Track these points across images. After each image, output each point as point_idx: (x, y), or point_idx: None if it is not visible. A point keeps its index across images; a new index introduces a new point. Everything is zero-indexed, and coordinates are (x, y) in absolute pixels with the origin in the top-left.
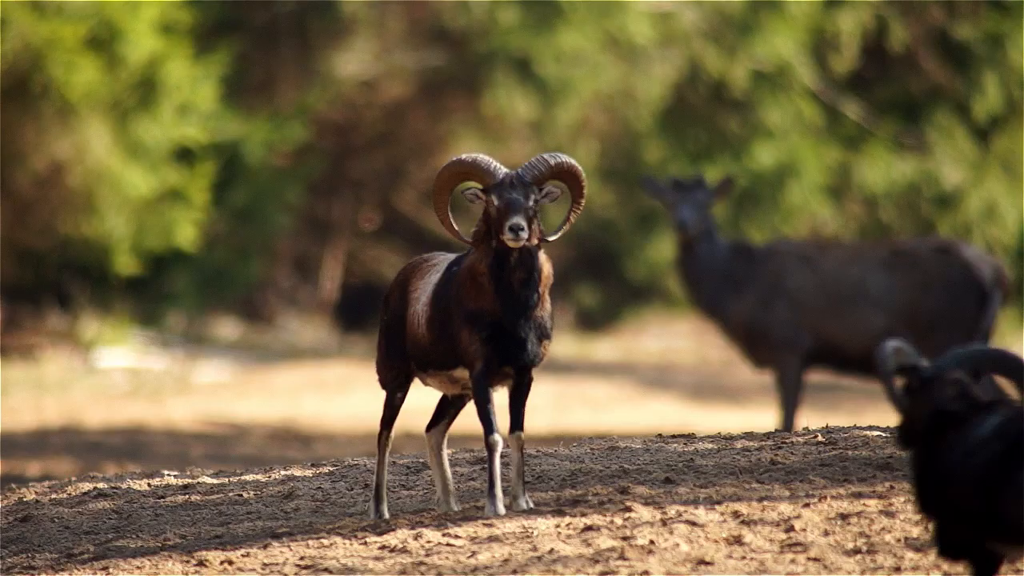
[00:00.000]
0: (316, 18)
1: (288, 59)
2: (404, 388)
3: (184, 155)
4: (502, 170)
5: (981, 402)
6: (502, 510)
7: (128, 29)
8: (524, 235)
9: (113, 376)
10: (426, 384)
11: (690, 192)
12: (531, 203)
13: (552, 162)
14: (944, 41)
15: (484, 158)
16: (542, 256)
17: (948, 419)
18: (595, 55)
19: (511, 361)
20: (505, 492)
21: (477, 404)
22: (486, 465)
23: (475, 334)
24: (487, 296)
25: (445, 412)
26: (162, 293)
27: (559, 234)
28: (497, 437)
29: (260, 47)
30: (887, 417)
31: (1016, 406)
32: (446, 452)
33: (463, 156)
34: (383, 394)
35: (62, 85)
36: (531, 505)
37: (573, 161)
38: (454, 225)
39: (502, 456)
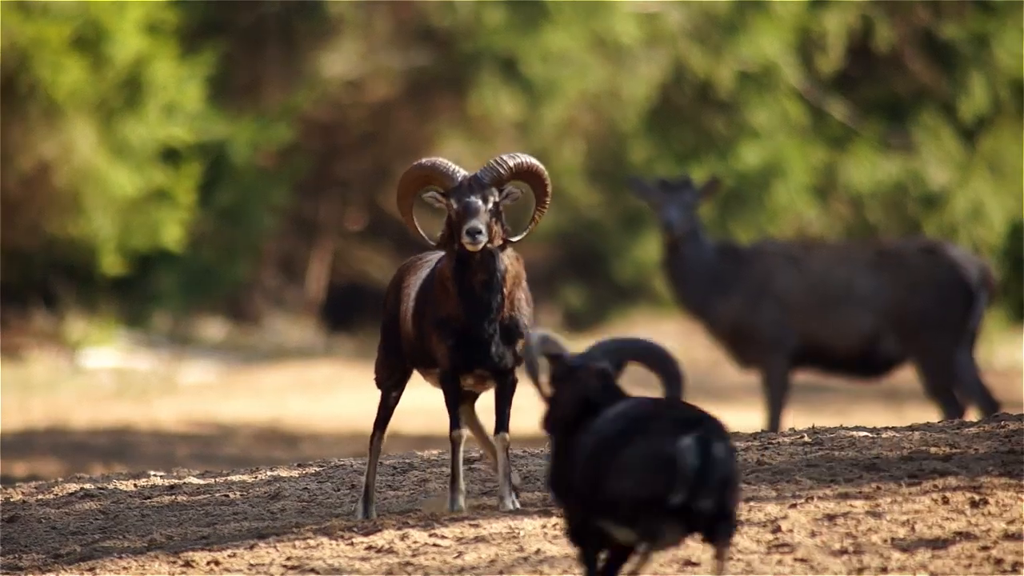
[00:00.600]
0: (302, 18)
1: (274, 59)
2: (399, 388)
3: (170, 155)
4: (460, 173)
5: (622, 393)
6: (461, 504)
7: (114, 29)
8: (482, 239)
9: (99, 376)
10: (427, 380)
11: (676, 192)
12: (490, 205)
13: (511, 163)
14: (930, 41)
15: (443, 162)
16: (507, 257)
17: (588, 407)
18: (581, 55)
19: (480, 364)
20: (491, 493)
21: (445, 401)
22: (471, 467)
23: (441, 339)
24: (452, 300)
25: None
26: (148, 293)
27: (524, 235)
28: (460, 432)
29: (246, 47)
30: (874, 418)
31: (655, 398)
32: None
33: (423, 160)
34: (368, 395)
35: (48, 85)
36: (517, 505)
37: (534, 160)
38: (419, 229)
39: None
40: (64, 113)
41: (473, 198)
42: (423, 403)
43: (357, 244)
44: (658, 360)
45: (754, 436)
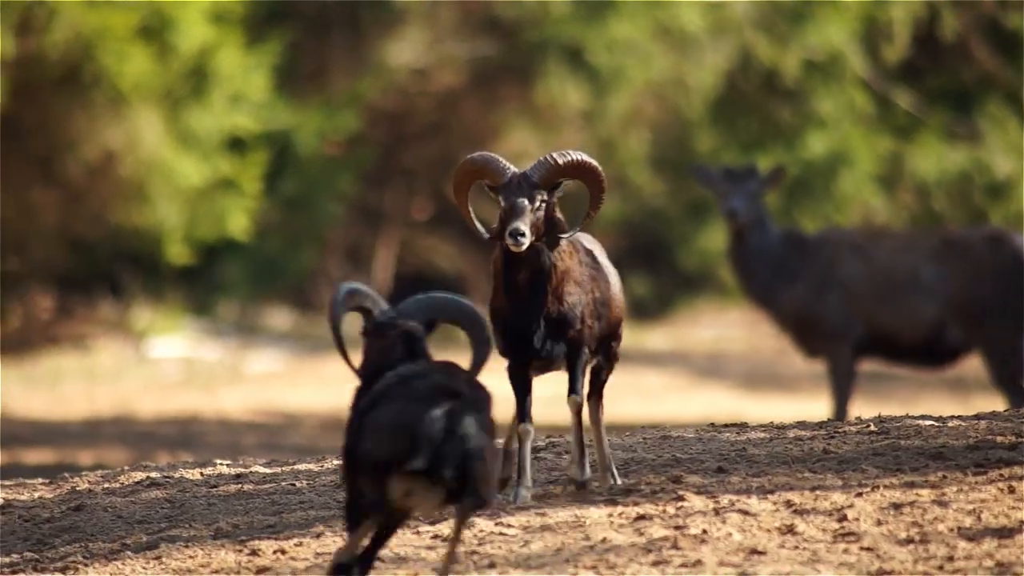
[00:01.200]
0: (368, 7)
1: (340, 48)
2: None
3: (236, 144)
4: (511, 170)
5: (423, 353)
6: (525, 496)
7: (180, 18)
8: (524, 241)
9: (165, 366)
10: None
11: (741, 181)
12: (536, 204)
13: (561, 161)
14: (995, 30)
15: (493, 158)
16: (559, 253)
17: (382, 367)
18: (646, 44)
19: (530, 355)
20: (557, 481)
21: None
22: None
23: (495, 330)
24: (499, 294)
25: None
26: (214, 282)
27: (574, 233)
28: (526, 426)
29: (312, 36)
30: (940, 407)
31: (440, 363)
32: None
33: (474, 155)
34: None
35: (114, 75)
36: (588, 474)
37: (585, 157)
38: (475, 220)
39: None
40: (129, 102)
41: (520, 198)
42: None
43: (423, 233)
44: (468, 322)
45: (820, 425)
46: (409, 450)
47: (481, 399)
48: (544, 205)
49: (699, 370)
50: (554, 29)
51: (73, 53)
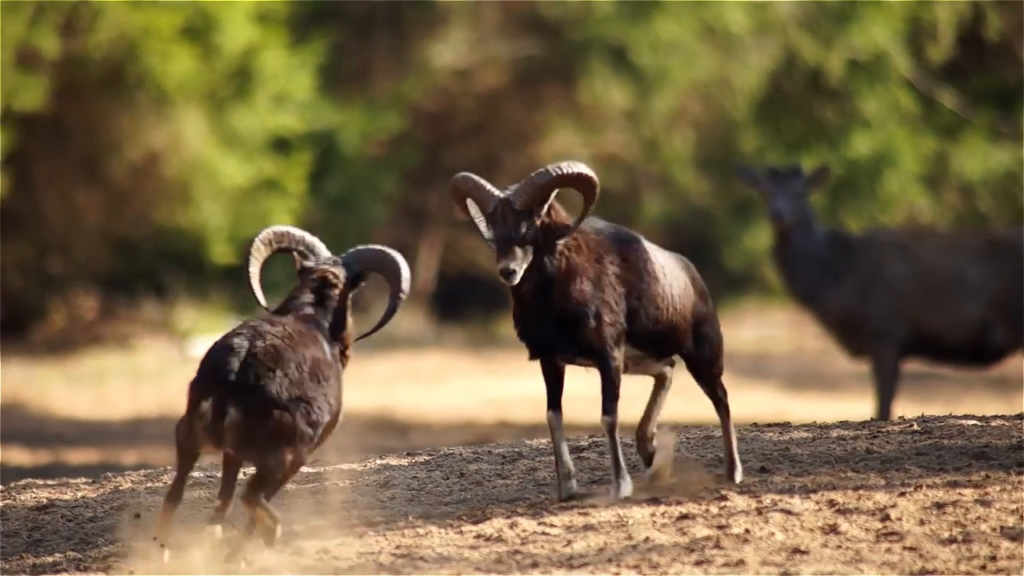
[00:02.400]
0: (412, 7)
1: (384, 48)
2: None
3: (280, 145)
4: (494, 196)
5: (330, 298)
6: (573, 487)
7: (224, 18)
8: (515, 277)
9: None
10: None
11: (786, 181)
12: (523, 232)
13: (540, 182)
14: None
15: (477, 185)
16: (565, 251)
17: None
18: (691, 44)
19: (546, 353)
20: (601, 481)
21: None
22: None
23: (516, 330)
24: (512, 299)
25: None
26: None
27: (563, 242)
28: (551, 415)
29: (356, 36)
30: (983, 407)
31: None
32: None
33: (459, 177)
34: (478, 384)
35: (158, 75)
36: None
37: (569, 168)
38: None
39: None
40: (173, 103)
41: (504, 232)
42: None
43: (467, 233)
44: (390, 275)
45: (863, 425)
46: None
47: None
48: (532, 229)
49: (743, 370)
50: (598, 29)
51: (117, 54)
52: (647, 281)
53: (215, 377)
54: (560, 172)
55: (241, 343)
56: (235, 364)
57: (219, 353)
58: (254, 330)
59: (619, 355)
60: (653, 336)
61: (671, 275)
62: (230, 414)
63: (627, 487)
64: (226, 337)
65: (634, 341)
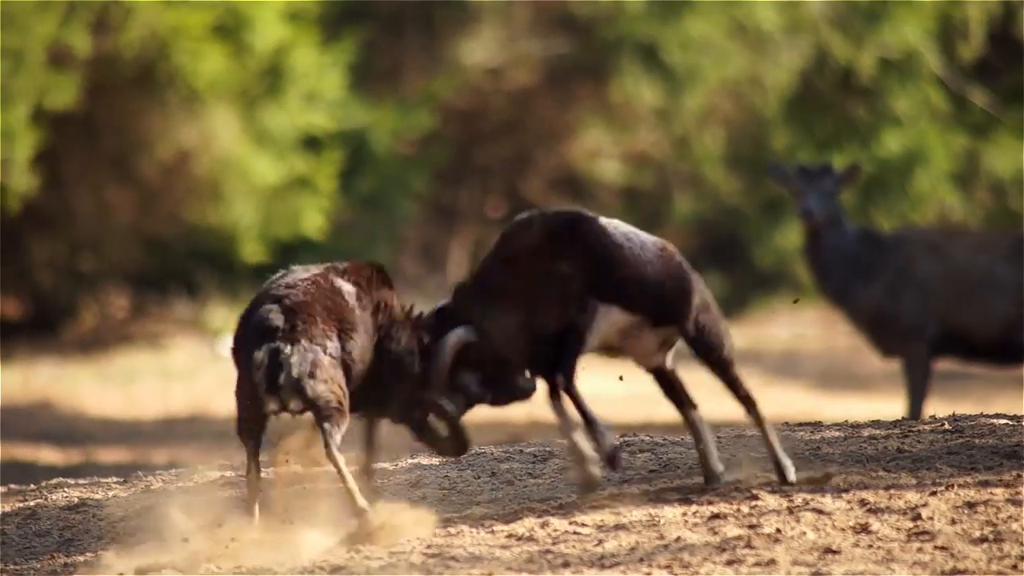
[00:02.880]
0: (443, 6)
1: (415, 47)
2: None
3: (311, 143)
4: None
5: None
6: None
7: (255, 17)
8: None
9: None
10: None
11: (816, 179)
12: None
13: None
14: None
15: None
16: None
17: None
18: (722, 42)
19: None
20: (631, 481)
21: None
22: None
23: None
24: None
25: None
26: None
27: None
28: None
29: (387, 35)
30: (1015, 406)
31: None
32: None
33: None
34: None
35: (189, 74)
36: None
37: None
38: None
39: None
40: (204, 101)
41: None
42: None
43: (497, 231)
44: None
45: (895, 424)
46: None
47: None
48: None
49: (774, 369)
50: (629, 27)
51: (148, 52)
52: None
53: (261, 327)
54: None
55: (276, 296)
56: (278, 313)
57: (260, 307)
58: (282, 285)
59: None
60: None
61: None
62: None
63: (610, 436)
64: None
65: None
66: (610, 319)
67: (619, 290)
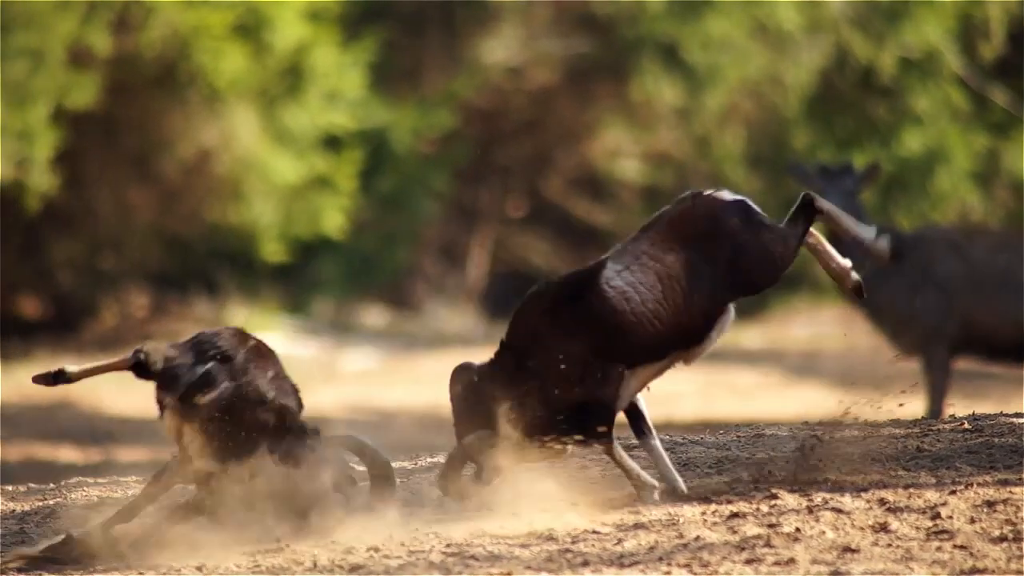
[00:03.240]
0: (463, 5)
1: (435, 46)
2: None
3: (331, 142)
4: None
5: None
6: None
7: (275, 16)
8: None
9: None
10: None
11: (837, 178)
12: None
13: None
14: None
15: None
16: None
17: None
18: (742, 41)
19: None
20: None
21: None
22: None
23: None
24: None
25: None
26: (309, 280)
27: None
28: None
29: (407, 34)
30: None
31: None
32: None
33: None
34: None
35: (209, 73)
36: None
37: None
38: None
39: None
40: (225, 100)
41: None
42: None
43: (518, 231)
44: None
45: (914, 423)
46: None
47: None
48: None
49: (794, 368)
50: (650, 26)
51: (169, 51)
52: None
53: None
54: None
55: None
56: None
57: None
58: None
59: None
60: None
61: None
62: None
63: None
64: None
65: None
66: (642, 375)
67: (636, 353)
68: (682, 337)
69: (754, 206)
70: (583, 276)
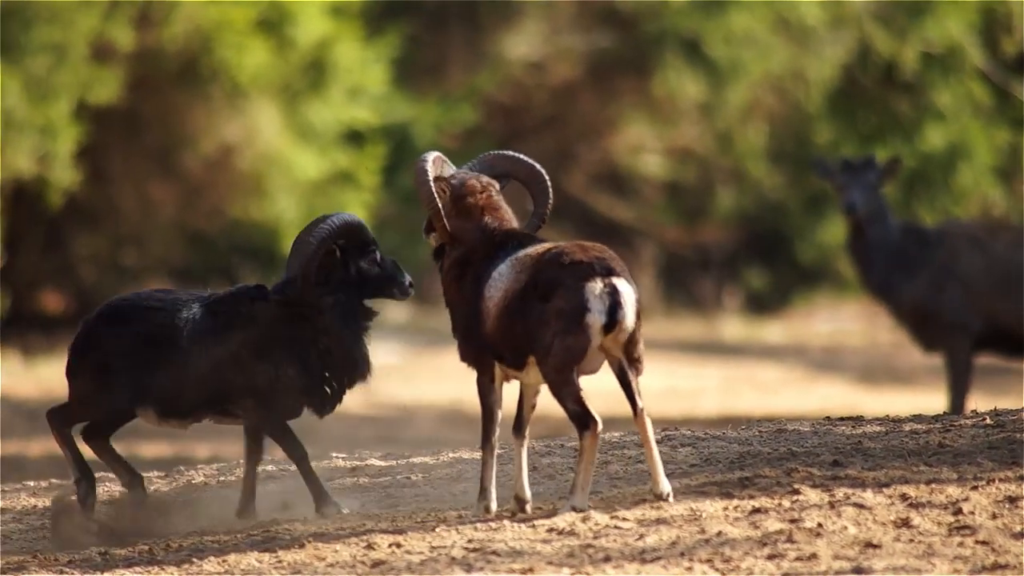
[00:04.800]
0: (486, 0)
1: (458, 41)
2: None
3: (354, 137)
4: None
5: None
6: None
7: (298, 11)
8: None
9: None
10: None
11: (859, 173)
12: None
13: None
14: None
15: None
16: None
17: None
18: (765, 36)
19: None
20: (672, 476)
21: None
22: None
23: None
24: None
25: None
26: None
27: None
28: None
29: (430, 29)
30: None
31: None
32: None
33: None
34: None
35: (232, 68)
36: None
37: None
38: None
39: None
40: (248, 96)
41: None
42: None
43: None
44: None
45: (936, 419)
46: None
47: None
48: None
49: (816, 363)
50: (672, 21)
51: (192, 47)
52: None
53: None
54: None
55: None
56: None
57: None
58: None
59: None
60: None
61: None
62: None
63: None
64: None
65: None
66: None
67: None
68: None
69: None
70: None
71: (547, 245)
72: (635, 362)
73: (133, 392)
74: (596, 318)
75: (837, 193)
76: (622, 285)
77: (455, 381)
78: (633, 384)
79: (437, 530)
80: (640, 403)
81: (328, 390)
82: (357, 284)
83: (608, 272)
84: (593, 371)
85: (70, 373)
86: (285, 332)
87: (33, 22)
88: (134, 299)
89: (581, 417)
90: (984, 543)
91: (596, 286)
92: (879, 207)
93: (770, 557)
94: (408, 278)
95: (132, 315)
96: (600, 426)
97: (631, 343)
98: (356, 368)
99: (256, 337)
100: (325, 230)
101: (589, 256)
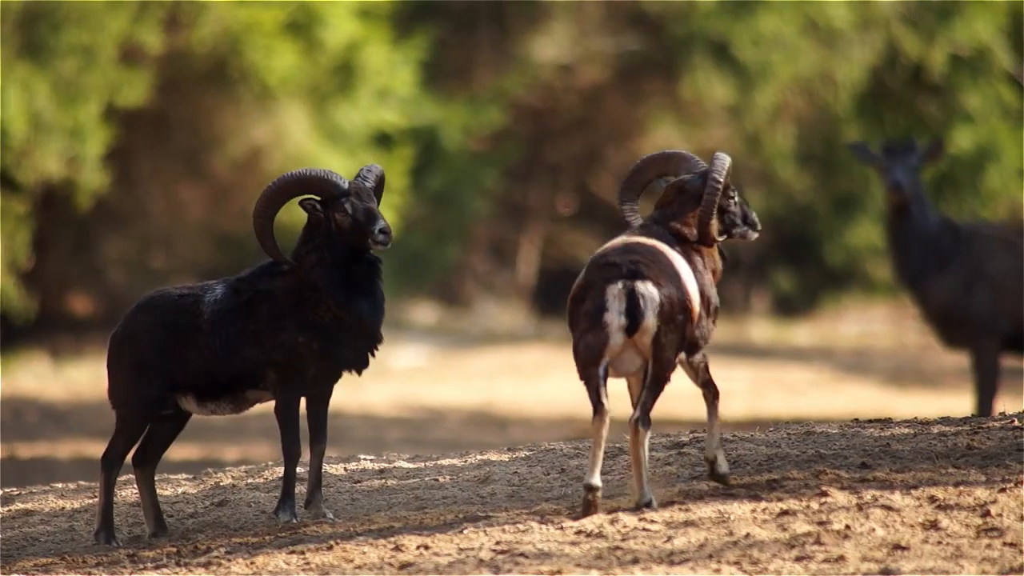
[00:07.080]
0: (514, 3)
1: (486, 44)
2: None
3: (382, 140)
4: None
5: None
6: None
7: (327, 14)
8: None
9: None
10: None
11: (902, 155)
12: None
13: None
14: None
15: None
16: None
17: None
18: (793, 39)
19: None
20: (700, 477)
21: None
22: (681, 451)
23: None
24: None
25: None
26: None
27: None
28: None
29: (458, 32)
30: None
31: None
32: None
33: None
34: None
35: (261, 70)
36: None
37: None
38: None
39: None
40: (276, 98)
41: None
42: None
43: (568, 228)
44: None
45: (964, 421)
46: None
47: None
48: None
49: (844, 365)
50: (700, 23)
51: (221, 49)
52: None
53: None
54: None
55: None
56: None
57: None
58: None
59: None
60: None
61: None
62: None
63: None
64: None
65: None
66: None
67: None
68: None
69: None
70: None
71: (608, 244)
72: (659, 365)
73: (166, 379)
74: (614, 318)
75: (881, 175)
76: (643, 288)
77: (482, 383)
78: (643, 391)
79: (465, 532)
80: (636, 413)
81: (346, 348)
82: (337, 237)
83: (634, 275)
84: (629, 373)
85: (109, 368)
86: (293, 300)
87: (62, 24)
88: (168, 290)
89: (593, 406)
90: (1012, 545)
91: (616, 288)
92: (921, 190)
93: (798, 559)
94: (381, 223)
95: (163, 305)
96: (603, 417)
97: (657, 346)
98: (361, 320)
99: (270, 310)
100: (275, 187)
101: (625, 258)
